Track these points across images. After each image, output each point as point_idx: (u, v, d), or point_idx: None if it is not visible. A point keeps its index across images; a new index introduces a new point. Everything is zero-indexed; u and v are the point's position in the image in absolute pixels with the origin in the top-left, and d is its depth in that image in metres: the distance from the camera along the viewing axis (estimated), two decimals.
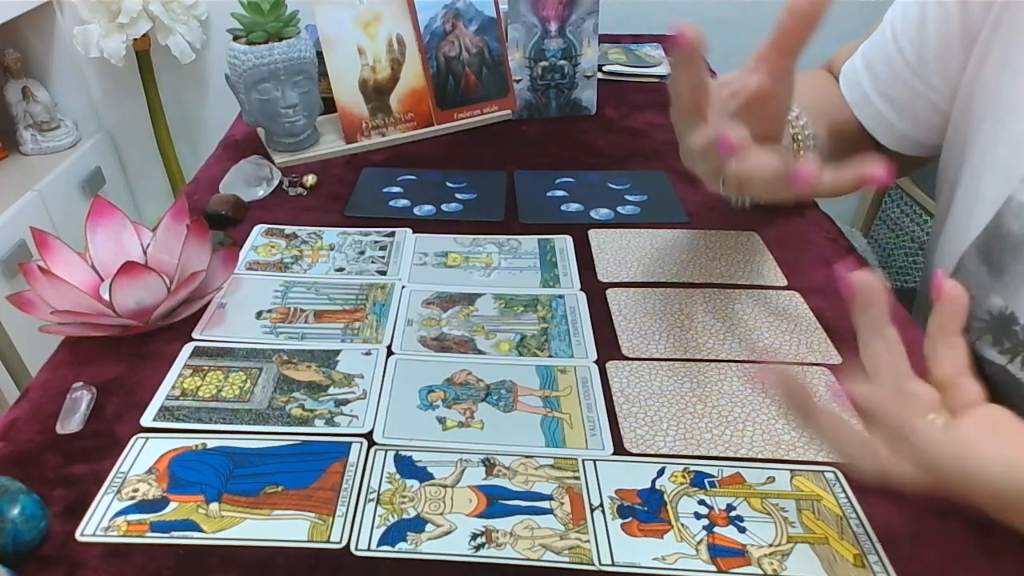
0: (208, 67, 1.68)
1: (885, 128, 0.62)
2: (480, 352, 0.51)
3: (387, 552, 0.37)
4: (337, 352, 0.51)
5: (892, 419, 0.33)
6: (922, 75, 0.59)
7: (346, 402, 0.47)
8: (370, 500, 0.40)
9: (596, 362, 0.50)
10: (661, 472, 0.42)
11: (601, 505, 0.40)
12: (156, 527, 0.39)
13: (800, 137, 0.56)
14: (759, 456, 0.43)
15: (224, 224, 0.65)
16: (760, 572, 0.36)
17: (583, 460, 0.43)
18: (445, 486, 0.41)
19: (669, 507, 0.40)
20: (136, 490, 0.41)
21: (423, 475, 0.42)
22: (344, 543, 0.38)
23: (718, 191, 0.46)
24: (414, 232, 0.65)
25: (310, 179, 0.73)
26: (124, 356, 0.51)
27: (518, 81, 0.87)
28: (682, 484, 0.41)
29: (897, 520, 0.39)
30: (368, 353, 0.51)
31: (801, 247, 0.63)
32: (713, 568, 0.37)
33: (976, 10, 0.54)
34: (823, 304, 0.55)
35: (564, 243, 0.63)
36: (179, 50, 1.52)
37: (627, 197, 0.71)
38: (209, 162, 0.80)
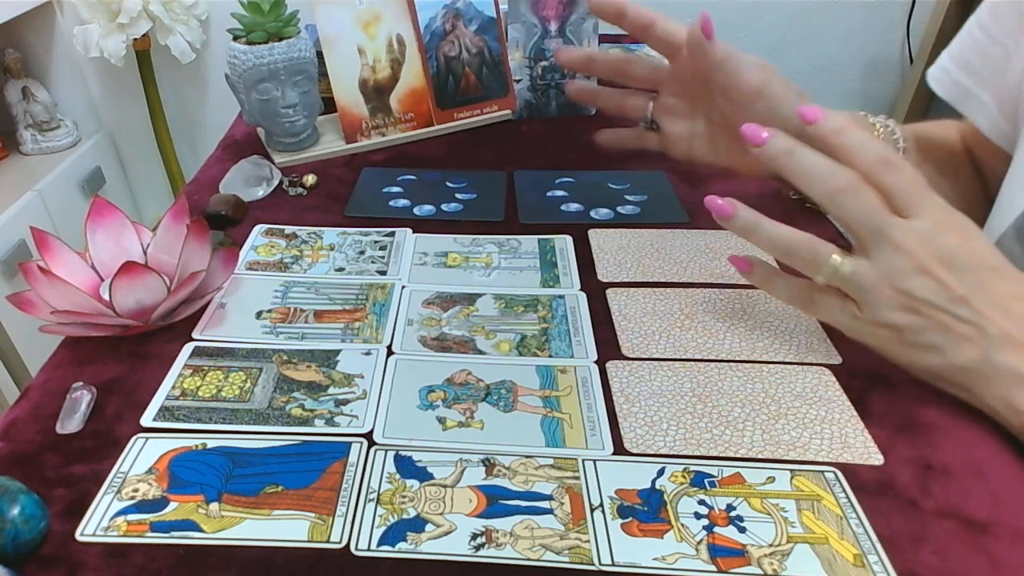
0: (208, 67, 1.69)
1: (990, 118, 0.63)
2: (480, 352, 0.51)
3: (387, 552, 0.37)
4: (337, 352, 0.51)
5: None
6: None
7: (346, 402, 0.47)
8: (370, 500, 0.40)
9: (596, 362, 0.50)
10: (661, 472, 0.42)
11: (601, 505, 0.40)
12: (156, 527, 0.39)
13: (882, 135, 0.59)
14: (759, 456, 0.43)
15: (224, 224, 0.65)
16: (760, 572, 0.36)
17: (583, 460, 0.43)
18: (445, 486, 0.41)
19: (669, 507, 0.40)
20: (136, 490, 0.41)
21: (423, 475, 0.42)
22: (344, 543, 0.38)
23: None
24: (414, 232, 0.65)
25: (310, 179, 0.73)
26: (124, 356, 0.51)
27: (518, 81, 0.87)
28: (682, 484, 0.41)
29: (897, 520, 0.39)
30: (368, 353, 0.51)
31: None
32: (713, 568, 0.37)
33: None
34: None
35: (564, 243, 0.63)
36: (179, 50, 1.52)
37: (627, 197, 0.71)
38: (209, 162, 0.80)
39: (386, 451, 0.43)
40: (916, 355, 0.45)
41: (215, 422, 0.45)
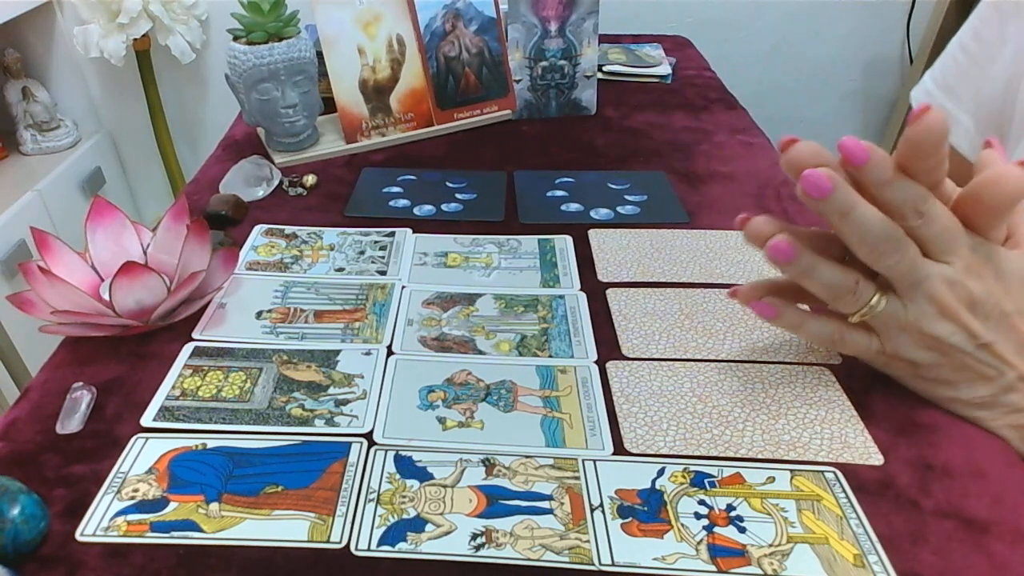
0: (208, 67, 1.68)
1: (970, 140, 0.64)
2: (480, 352, 0.51)
3: (387, 552, 0.37)
4: (337, 352, 0.51)
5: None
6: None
7: (346, 402, 0.47)
8: (370, 500, 0.40)
9: (596, 362, 0.50)
10: (661, 472, 0.42)
11: (601, 505, 0.40)
12: (156, 527, 0.39)
13: None
14: (759, 456, 0.43)
15: (224, 224, 0.65)
16: (760, 572, 0.36)
17: (583, 460, 0.43)
18: (445, 486, 0.41)
19: (669, 507, 0.40)
20: (136, 490, 0.41)
21: (423, 475, 0.42)
22: (344, 543, 0.38)
23: None
24: (414, 232, 0.65)
25: (310, 179, 0.73)
26: (124, 356, 0.51)
27: (518, 81, 0.87)
28: (682, 484, 0.41)
29: (897, 520, 0.39)
30: (368, 353, 0.51)
31: None
32: (713, 568, 0.37)
33: None
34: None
35: (564, 243, 0.63)
36: (179, 50, 1.52)
37: (627, 197, 0.71)
38: (209, 162, 0.80)
39: (386, 451, 0.43)
40: (928, 387, 0.46)
41: (215, 422, 0.45)
